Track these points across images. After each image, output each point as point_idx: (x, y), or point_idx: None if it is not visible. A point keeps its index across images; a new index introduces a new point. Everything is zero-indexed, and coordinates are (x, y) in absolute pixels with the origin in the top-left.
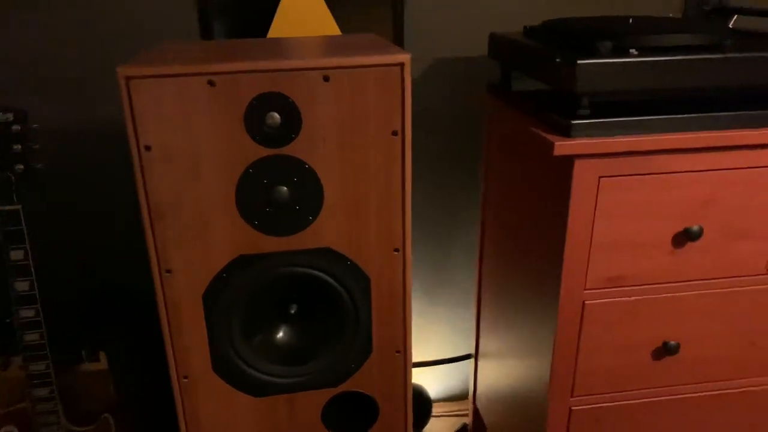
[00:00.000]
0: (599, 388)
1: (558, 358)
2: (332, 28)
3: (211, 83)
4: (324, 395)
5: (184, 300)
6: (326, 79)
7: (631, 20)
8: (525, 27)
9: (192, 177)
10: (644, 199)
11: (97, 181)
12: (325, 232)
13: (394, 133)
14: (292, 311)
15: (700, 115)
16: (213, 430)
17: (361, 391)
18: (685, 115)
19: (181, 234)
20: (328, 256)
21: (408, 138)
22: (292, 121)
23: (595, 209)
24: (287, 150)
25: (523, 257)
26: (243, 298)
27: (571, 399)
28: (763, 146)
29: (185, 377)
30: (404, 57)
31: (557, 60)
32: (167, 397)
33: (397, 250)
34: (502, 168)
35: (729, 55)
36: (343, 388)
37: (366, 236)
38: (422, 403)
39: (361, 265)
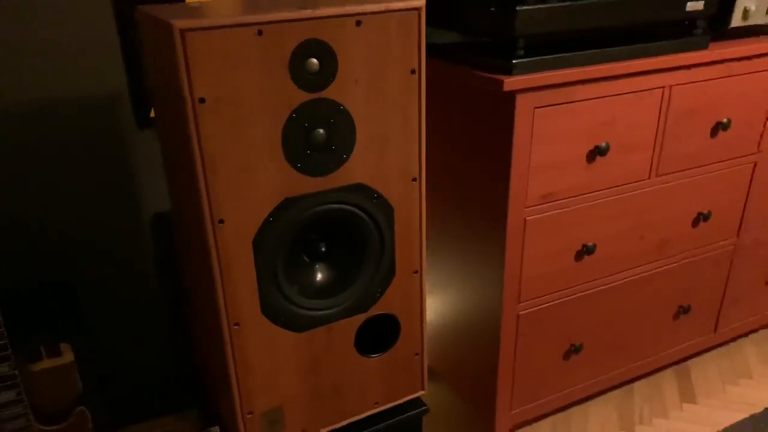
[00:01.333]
0: (537, 293)
1: (508, 269)
2: None
3: (259, 33)
4: (356, 321)
5: (235, 248)
6: (359, 23)
7: None
8: None
9: (242, 126)
10: (566, 124)
11: (31, 172)
12: (356, 169)
13: (413, 72)
14: (323, 249)
15: (606, 49)
16: (261, 371)
17: (387, 312)
18: (595, 50)
19: (231, 183)
20: (359, 190)
21: (423, 76)
22: (330, 66)
23: (531, 136)
24: (325, 93)
25: (467, 190)
26: (286, 241)
27: (518, 305)
28: (641, 73)
29: (236, 324)
30: (421, 2)
31: (492, 9)
32: (140, 377)
33: (414, 179)
34: (438, 114)
35: None
36: (371, 312)
37: (389, 169)
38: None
39: (386, 196)
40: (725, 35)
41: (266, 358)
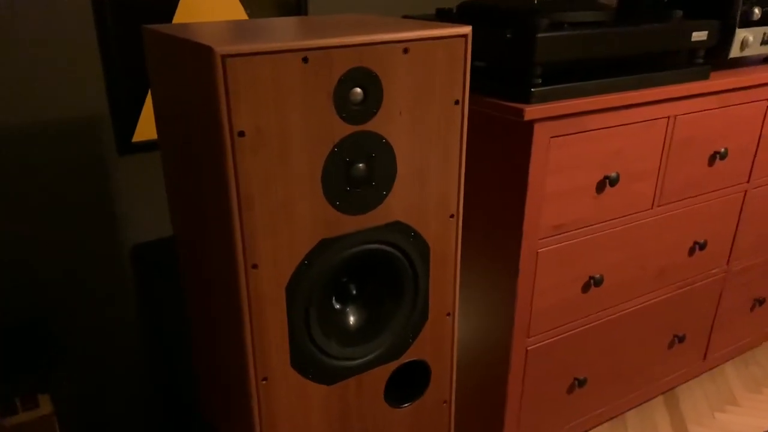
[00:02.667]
0: (545, 326)
1: (520, 303)
2: (239, 12)
3: (305, 60)
4: (387, 370)
5: (268, 296)
6: (406, 51)
7: (536, 1)
8: (438, 9)
9: (282, 162)
10: (578, 154)
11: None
12: (395, 206)
13: (456, 102)
14: (354, 291)
15: (616, 78)
16: (288, 424)
17: (418, 358)
18: (607, 80)
19: (268, 224)
20: (397, 229)
21: (466, 107)
22: (375, 96)
23: (546, 166)
24: (369, 126)
25: (478, 221)
26: (320, 286)
27: (527, 339)
28: (649, 103)
29: (264, 379)
30: (467, 29)
31: (508, 35)
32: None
33: (452, 216)
34: None
35: (640, 27)
36: (403, 359)
37: (427, 205)
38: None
39: (423, 233)
40: (723, 65)
41: (294, 415)
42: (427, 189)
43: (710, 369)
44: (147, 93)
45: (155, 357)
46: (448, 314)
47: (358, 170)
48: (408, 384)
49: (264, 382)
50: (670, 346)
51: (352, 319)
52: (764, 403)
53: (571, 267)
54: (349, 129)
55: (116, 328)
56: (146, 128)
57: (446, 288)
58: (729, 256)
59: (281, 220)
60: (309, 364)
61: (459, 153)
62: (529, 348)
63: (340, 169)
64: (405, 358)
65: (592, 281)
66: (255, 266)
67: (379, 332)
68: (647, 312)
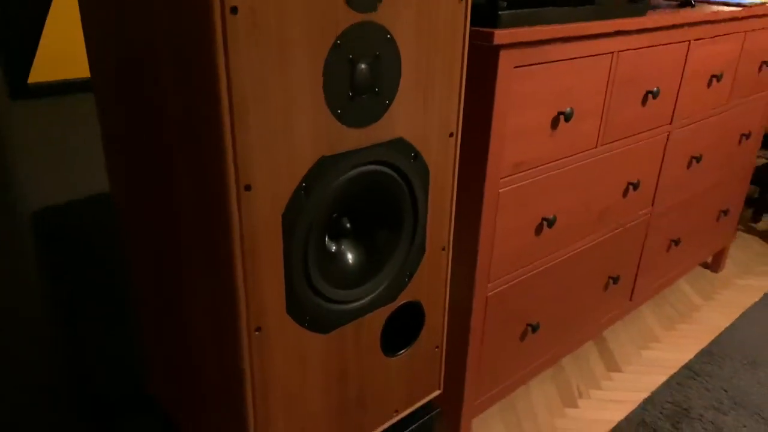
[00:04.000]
0: (503, 272)
1: (483, 247)
2: None
3: None
4: (383, 314)
5: (263, 225)
6: None
7: None
8: None
9: (280, 56)
10: (537, 87)
11: None
12: (397, 119)
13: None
14: (348, 225)
15: (574, 8)
16: (284, 389)
17: (413, 300)
18: (566, 8)
19: (264, 136)
20: (398, 148)
21: (469, 6)
22: None
23: (509, 99)
24: (374, 16)
25: None
26: (319, 215)
27: (488, 286)
28: (598, 36)
29: (258, 329)
30: None
31: None
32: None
33: (451, 134)
34: None
35: None
36: (399, 301)
37: (429, 120)
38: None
39: (423, 154)
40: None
41: (290, 371)
42: (430, 102)
43: (635, 309)
44: (43, 25)
45: (70, 344)
46: (443, 248)
47: (362, 73)
48: (399, 332)
49: (257, 333)
50: (606, 288)
51: (348, 258)
52: (681, 338)
53: (527, 209)
54: (353, 17)
55: (18, 303)
56: (45, 67)
57: (443, 219)
58: (653, 198)
59: (280, 131)
60: (306, 310)
61: (461, 60)
62: (489, 294)
63: (342, 70)
64: (401, 300)
65: (545, 223)
66: (248, 188)
67: (377, 270)
68: (589, 254)
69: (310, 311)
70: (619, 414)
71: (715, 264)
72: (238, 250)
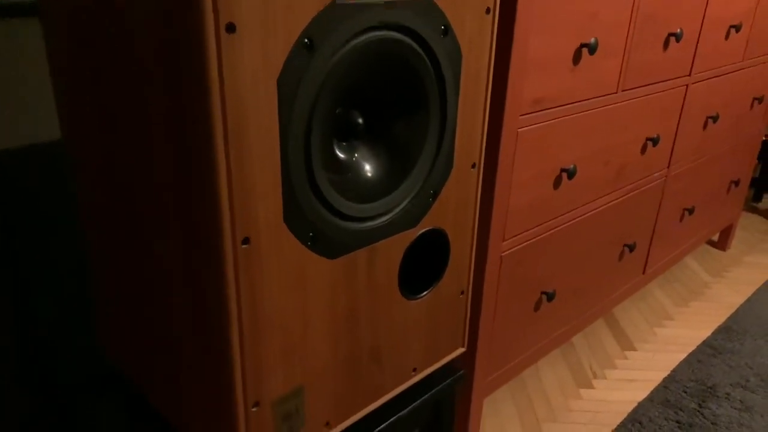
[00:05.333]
0: (518, 229)
1: (499, 197)
2: None
3: None
4: (402, 243)
5: (251, 90)
6: None
7: None
8: None
9: None
10: (559, 8)
11: None
12: None
13: None
14: (360, 120)
15: None
16: (280, 327)
17: (436, 227)
18: None
19: None
20: (426, 14)
21: None
22: None
23: (529, 23)
24: None
25: None
26: (325, 90)
27: (502, 244)
28: None
29: (245, 241)
30: None
31: None
32: None
33: (488, 10)
34: None
35: None
36: (421, 227)
37: None
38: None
39: (456, 31)
40: None
41: (289, 304)
42: None
43: (647, 283)
44: None
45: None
46: (474, 166)
47: None
48: (419, 272)
49: (245, 246)
50: (620, 257)
51: (361, 163)
52: (695, 316)
53: (546, 155)
54: None
55: None
56: None
57: (474, 124)
58: (670, 159)
59: None
60: (308, 221)
61: None
62: (503, 254)
63: None
64: (423, 227)
65: (564, 174)
66: (231, 27)
67: (397, 182)
68: (605, 217)
69: (313, 225)
70: (639, 394)
71: (722, 242)
72: (219, 125)
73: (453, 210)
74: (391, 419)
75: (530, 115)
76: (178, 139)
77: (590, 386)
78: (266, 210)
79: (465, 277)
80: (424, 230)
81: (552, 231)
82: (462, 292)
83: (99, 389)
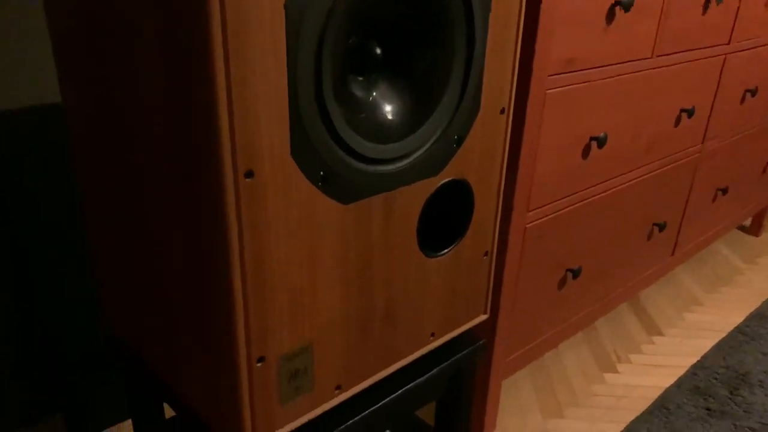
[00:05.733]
0: (544, 199)
1: (524, 163)
2: None
3: None
4: (422, 192)
5: (255, 10)
6: None
7: None
8: None
9: None
10: None
11: None
12: None
13: None
14: (378, 52)
15: None
16: (286, 278)
17: (459, 178)
18: None
19: None
20: None
21: None
22: None
23: None
24: None
25: None
26: (336, 14)
27: (527, 215)
28: None
29: (249, 174)
30: None
31: None
32: None
33: None
34: None
35: None
36: (443, 176)
37: None
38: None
39: None
40: None
41: (296, 249)
42: None
43: (676, 267)
44: None
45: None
46: (503, 111)
47: None
48: (438, 228)
49: (248, 180)
50: (649, 237)
51: (378, 99)
52: (726, 302)
53: (575, 121)
54: None
55: None
56: None
57: (504, 64)
58: (705, 133)
59: None
60: (318, 158)
61: None
62: (527, 225)
63: None
64: (445, 176)
65: (594, 143)
66: None
67: (418, 124)
68: (635, 192)
69: (325, 163)
70: (666, 379)
71: (755, 227)
72: (218, 47)
73: (478, 159)
74: (407, 387)
75: (559, 76)
76: (172, 55)
77: (614, 371)
78: (272, 141)
79: (489, 236)
80: (446, 180)
81: (579, 204)
82: (486, 254)
83: (101, 367)
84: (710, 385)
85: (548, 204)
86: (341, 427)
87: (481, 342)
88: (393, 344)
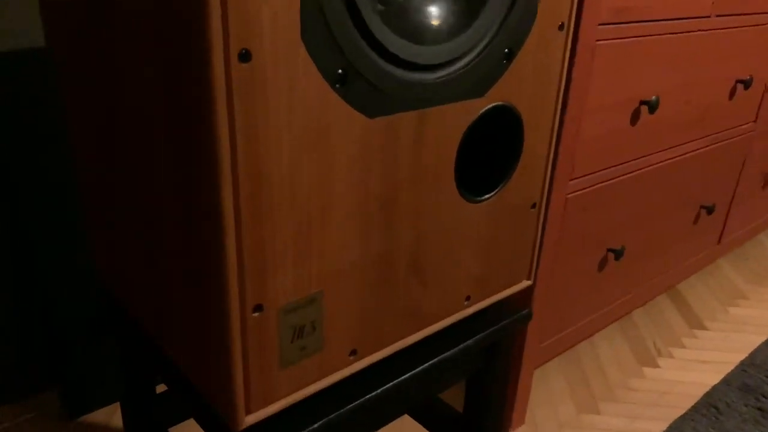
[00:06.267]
0: (588, 167)
1: (568, 126)
2: None
3: None
4: (463, 117)
5: None
6: None
7: None
8: None
9: None
10: None
11: None
12: None
13: None
14: None
15: None
16: (288, 203)
17: (510, 104)
18: None
19: None
20: None
21: None
22: None
23: None
24: None
25: None
26: None
27: (569, 183)
28: None
29: (244, 55)
30: None
31: None
32: None
33: None
34: None
35: None
36: (488, 101)
37: None
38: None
39: None
40: None
41: (304, 164)
42: None
43: (720, 257)
44: None
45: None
46: (561, 26)
47: None
48: (480, 174)
49: (244, 64)
50: (696, 220)
51: None
52: None
53: (625, 79)
54: None
55: None
56: None
57: None
58: (758, 110)
59: None
60: (337, 50)
61: None
62: (568, 196)
63: None
64: (492, 99)
65: (644, 107)
66: None
67: (462, 26)
68: (684, 168)
69: (344, 57)
70: (711, 376)
71: None
72: None
73: (531, 84)
74: (435, 360)
75: (610, 26)
76: None
77: (654, 365)
78: (275, 14)
79: (538, 184)
80: (491, 105)
81: (625, 177)
82: (533, 206)
83: (96, 330)
84: (761, 384)
85: (592, 173)
86: (353, 404)
87: (524, 311)
88: (420, 305)
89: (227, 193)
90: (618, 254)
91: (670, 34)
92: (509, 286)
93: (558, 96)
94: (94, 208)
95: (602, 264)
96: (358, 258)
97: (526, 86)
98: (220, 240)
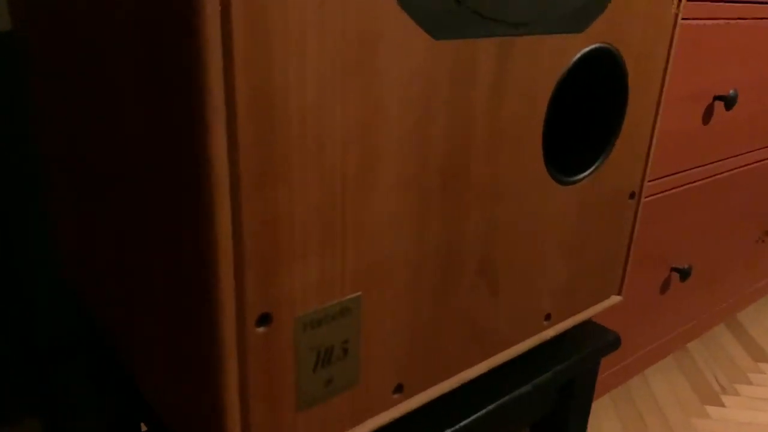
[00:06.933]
0: (654, 173)
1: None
2: None
3: None
4: (557, 57)
5: None
6: None
7: None
8: None
9: None
10: None
11: None
12: None
13: None
14: None
15: None
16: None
17: (614, 48)
18: None
19: None
20: None
21: None
22: None
23: None
24: None
25: None
26: None
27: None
28: None
29: None
30: None
31: None
32: None
33: None
34: None
35: None
36: (587, 42)
37: None
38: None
39: None
40: None
41: (334, 97)
42: None
43: None
44: None
45: None
46: None
47: None
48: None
49: None
50: (762, 240)
51: None
52: None
53: (698, 71)
54: None
55: None
56: None
57: None
58: None
59: None
60: None
61: None
62: None
63: None
64: (593, 39)
65: (720, 103)
66: None
67: None
68: (757, 179)
69: None
70: None
71: None
72: None
73: (641, 30)
74: (501, 400)
75: (690, 2)
76: None
77: (719, 403)
78: None
79: (640, 167)
80: (594, 46)
81: (694, 184)
82: (632, 195)
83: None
84: None
85: (659, 179)
86: None
87: (611, 337)
88: (490, 323)
89: (215, 121)
90: (684, 275)
91: (752, 18)
92: (597, 301)
93: (669, 53)
94: (57, 199)
95: (665, 285)
96: (411, 250)
97: (635, 30)
98: (207, 212)
